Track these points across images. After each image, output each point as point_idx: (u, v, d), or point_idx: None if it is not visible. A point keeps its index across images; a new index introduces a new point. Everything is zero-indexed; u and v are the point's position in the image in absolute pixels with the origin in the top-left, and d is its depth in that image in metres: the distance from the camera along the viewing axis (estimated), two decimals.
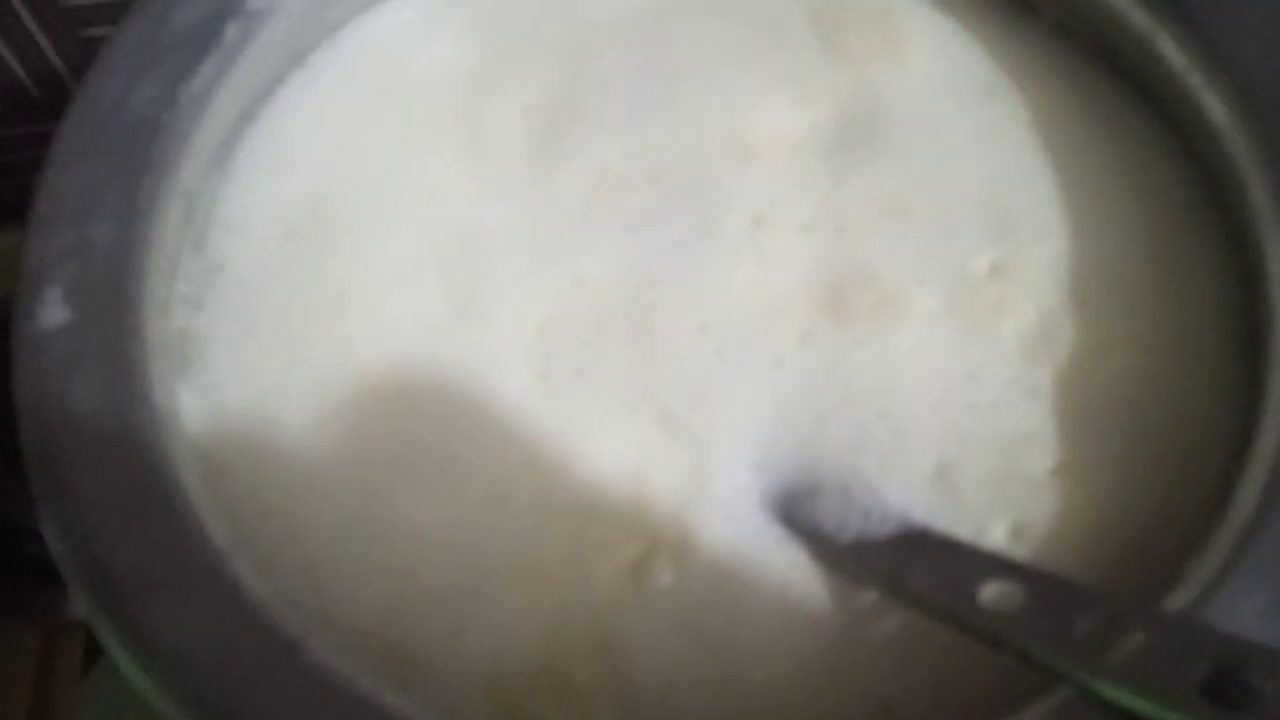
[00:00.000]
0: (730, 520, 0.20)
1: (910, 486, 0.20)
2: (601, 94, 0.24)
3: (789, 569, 0.19)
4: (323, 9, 0.25)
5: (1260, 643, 0.16)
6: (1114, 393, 0.21)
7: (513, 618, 0.19)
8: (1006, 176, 0.23)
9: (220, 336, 0.22)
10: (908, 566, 0.19)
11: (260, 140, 0.24)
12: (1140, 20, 0.23)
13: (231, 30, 0.23)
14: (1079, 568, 0.19)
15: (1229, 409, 0.20)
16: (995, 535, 0.20)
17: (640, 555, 0.20)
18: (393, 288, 0.22)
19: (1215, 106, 0.22)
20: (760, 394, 0.21)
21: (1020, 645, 0.17)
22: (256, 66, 0.24)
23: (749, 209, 0.23)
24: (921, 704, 0.18)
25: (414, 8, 0.26)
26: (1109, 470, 0.20)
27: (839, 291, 0.22)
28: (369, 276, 0.22)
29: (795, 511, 0.20)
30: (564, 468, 0.20)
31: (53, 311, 0.20)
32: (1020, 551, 0.19)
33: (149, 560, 0.18)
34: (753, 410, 0.21)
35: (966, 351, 0.21)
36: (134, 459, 0.18)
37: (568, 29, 0.25)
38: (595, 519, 0.20)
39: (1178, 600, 0.17)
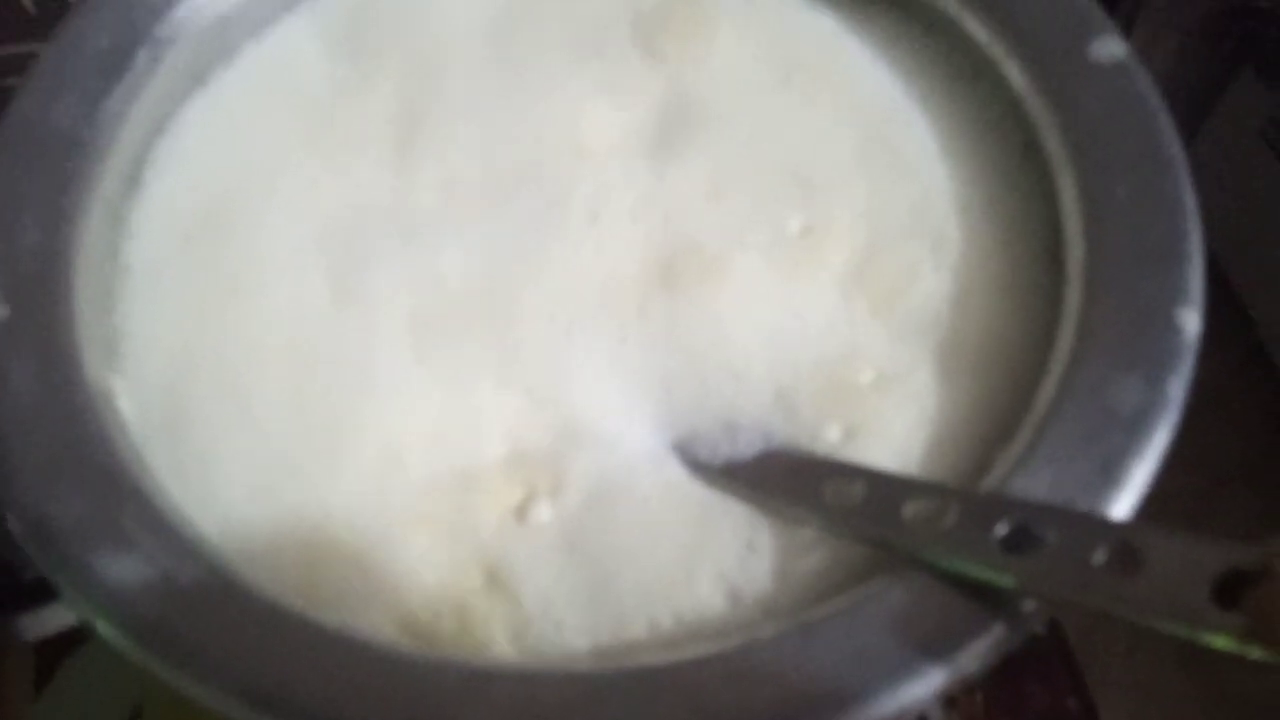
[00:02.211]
0: (595, 466, 0.22)
1: (757, 414, 0.23)
2: (451, 103, 0.27)
3: (648, 496, 0.22)
4: (222, 33, 0.28)
5: (1045, 503, 0.19)
6: (922, 311, 0.24)
7: (414, 562, 0.21)
8: (809, 148, 0.26)
9: (134, 332, 0.24)
10: (767, 477, 0.22)
11: (164, 153, 0.26)
12: (950, 5, 0.27)
13: (141, 55, 0.26)
14: (904, 457, 0.22)
15: (1031, 317, 0.23)
16: (830, 438, 0.23)
17: (522, 500, 0.22)
18: (278, 279, 0.24)
19: (1014, 73, 0.26)
20: (611, 365, 0.23)
21: (858, 530, 0.20)
22: (163, 86, 0.26)
23: (584, 203, 0.25)
24: (767, 586, 0.21)
25: (296, 30, 0.28)
26: (922, 375, 0.23)
27: (668, 266, 0.25)
28: (257, 270, 0.25)
29: (679, 448, 0.23)
30: (447, 432, 0.23)
31: None
32: (853, 449, 0.22)
33: (92, 512, 0.20)
34: (607, 379, 0.23)
35: (789, 297, 0.24)
36: (71, 430, 0.21)
37: (423, 42, 0.28)
38: (479, 473, 0.22)
39: (991, 480, 0.20)
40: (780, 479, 0.22)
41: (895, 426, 0.23)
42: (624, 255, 0.25)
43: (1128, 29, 0.51)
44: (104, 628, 0.19)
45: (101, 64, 0.25)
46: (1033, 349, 0.23)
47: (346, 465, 0.22)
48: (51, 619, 0.40)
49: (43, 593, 0.42)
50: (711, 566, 0.21)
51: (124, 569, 0.19)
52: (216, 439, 0.23)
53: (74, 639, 0.40)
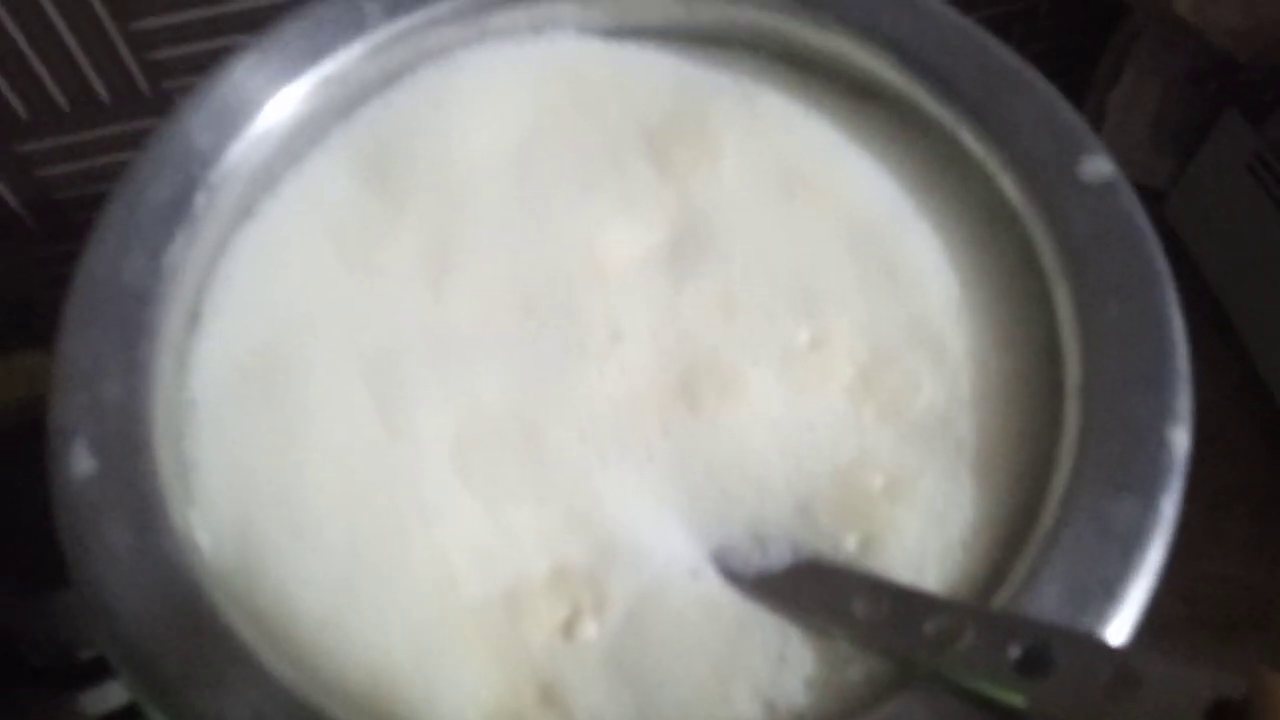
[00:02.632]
0: (635, 583, 0.24)
1: (782, 525, 0.25)
2: (479, 229, 0.29)
3: (684, 610, 0.24)
4: (269, 166, 0.30)
5: (1057, 625, 0.21)
6: (926, 417, 0.26)
7: (471, 680, 0.23)
8: (813, 261, 0.28)
9: (203, 465, 0.26)
10: (798, 590, 0.24)
11: (218, 290, 0.28)
12: (945, 116, 0.29)
13: (199, 200, 0.28)
14: (918, 564, 0.24)
15: (1031, 419, 0.25)
16: (849, 547, 0.24)
17: (568, 617, 0.24)
18: (331, 414, 0.26)
19: (1009, 186, 0.28)
20: (641, 482, 0.25)
21: (884, 645, 0.22)
22: (217, 226, 0.28)
23: (607, 324, 0.27)
24: (799, 699, 0.23)
25: (331, 159, 0.30)
26: (929, 480, 0.25)
27: (689, 384, 0.26)
28: (310, 407, 0.26)
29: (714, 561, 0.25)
30: (494, 552, 0.25)
31: (81, 463, 0.24)
32: (870, 558, 0.24)
33: (189, 658, 0.22)
34: (637, 496, 0.25)
35: (801, 408, 0.26)
36: (165, 579, 0.23)
37: (449, 170, 0.30)
38: (526, 592, 0.24)
39: (1002, 597, 0.22)
40: (812, 593, 0.24)
41: (908, 535, 0.25)
42: (646, 374, 0.27)
43: (1117, 75, 0.52)
44: None
45: (162, 215, 0.27)
46: (1034, 451, 0.25)
47: (404, 591, 0.24)
48: (112, 696, 0.42)
49: (102, 671, 0.44)
50: (747, 681, 0.23)
51: (222, 710, 0.21)
52: (286, 574, 0.24)
53: (132, 714, 0.42)
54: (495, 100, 0.31)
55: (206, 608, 0.23)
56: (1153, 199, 0.59)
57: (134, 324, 0.26)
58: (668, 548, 0.25)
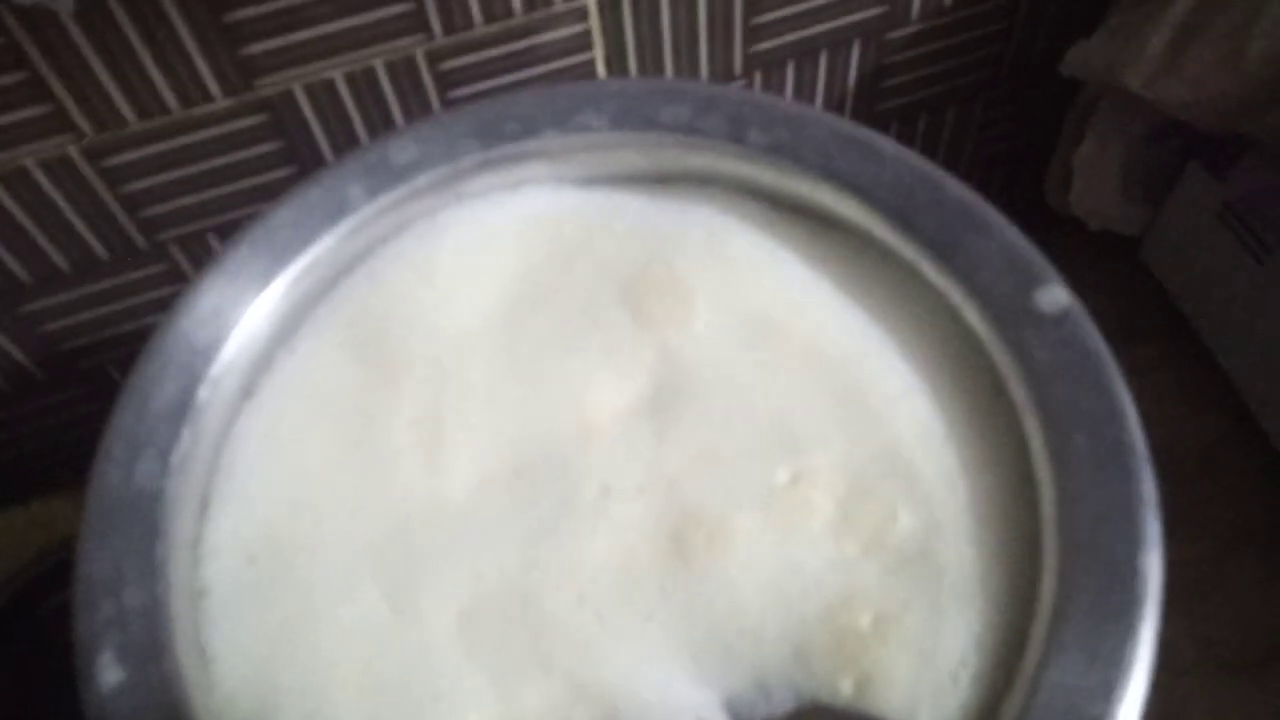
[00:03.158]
0: None
1: (781, 672, 0.26)
2: (470, 398, 0.30)
3: None
4: (265, 351, 0.31)
5: None
6: (906, 548, 0.27)
7: None
8: (786, 402, 0.29)
9: (219, 658, 0.27)
10: None
11: (223, 478, 0.29)
12: (906, 251, 0.30)
13: (202, 393, 0.29)
14: (912, 703, 0.25)
15: (1008, 542, 0.26)
16: (845, 690, 0.25)
17: None
18: (340, 601, 0.27)
19: (972, 318, 0.29)
20: (642, 643, 0.26)
21: None
22: (220, 416, 0.30)
23: (596, 481, 0.28)
24: None
25: (322, 336, 0.31)
26: (915, 614, 0.26)
27: (679, 537, 0.27)
28: (320, 590, 0.27)
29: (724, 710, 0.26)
30: None
31: (109, 674, 0.25)
32: (867, 699, 0.25)
33: None
34: (640, 657, 0.26)
35: (787, 550, 0.27)
36: None
37: (436, 339, 0.31)
38: None
39: None
40: None
41: (899, 673, 0.25)
42: (637, 529, 0.28)
43: (1080, 138, 0.54)
44: None
45: (168, 415, 0.28)
46: (1015, 577, 0.26)
47: None
48: None
49: None
50: None
51: None
52: None
53: None
54: (475, 266, 0.32)
55: None
56: (1128, 243, 0.60)
57: (149, 526, 0.27)
58: (673, 702, 0.26)
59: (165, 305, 0.30)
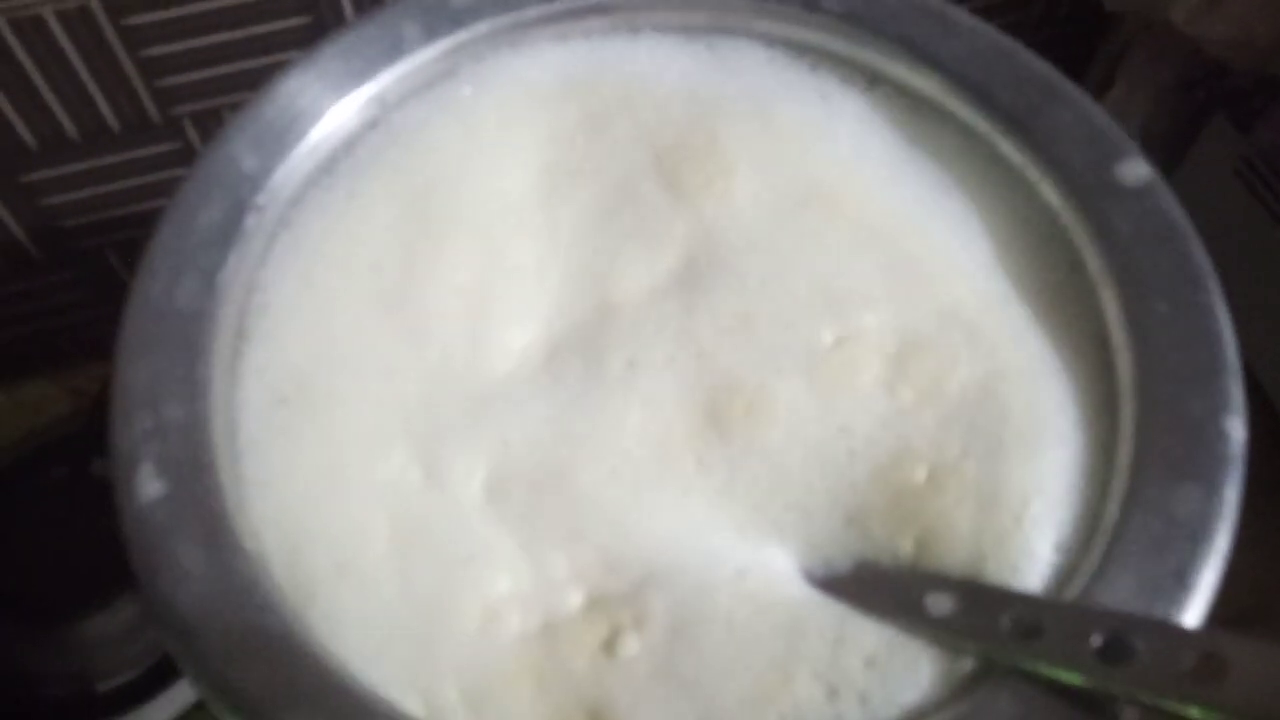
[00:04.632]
0: (676, 593, 0.24)
1: (836, 543, 0.25)
2: (515, 275, 0.28)
3: (732, 611, 0.24)
4: (312, 187, 0.30)
5: (1135, 614, 0.22)
6: (965, 395, 0.26)
7: (523, 709, 0.23)
8: (832, 269, 0.28)
9: (251, 493, 0.25)
10: (867, 591, 0.24)
11: (258, 311, 0.28)
12: (983, 127, 0.30)
13: (249, 221, 0.28)
14: (976, 558, 0.24)
15: (1087, 397, 0.26)
16: (907, 551, 0.25)
17: (607, 637, 0.24)
18: (370, 456, 0.26)
19: (1049, 193, 0.28)
20: (680, 519, 0.25)
21: (961, 642, 0.23)
22: (263, 244, 0.28)
23: (622, 356, 0.27)
24: (861, 679, 0.23)
25: (368, 184, 0.30)
26: (973, 463, 0.25)
27: (713, 408, 0.26)
28: (351, 445, 0.26)
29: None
30: (532, 592, 0.25)
31: (149, 486, 0.24)
32: (930, 558, 0.24)
33: (272, 678, 0.22)
34: (677, 533, 0.25)
35: (834, 412, 0.26)
36: (240, 599, 0.23)
37: (479, 210, 0.29)
38: (564, 622, 0.24)
39: (1073, 587, 0.23)
40: (882, 593, 0.24)
41: (960, 524, 0.25)
42: (669, 403, 0.26)
43: (1108, 84, 0.54)
44: None
45: (214, 237, 0.27)
46: (1088, 427, 0.25)
47: (450, 631, 0.24)
48: None
49: (118, 703, 0.43)
50: (806, 667, 0.23)
51: None
52: (334, 609, 0.24)
53: None
54: (519, 128, 0.31)
55: (282, 627, 0.22)
56: None
57: (191, 345, 0.26)
58: (712, 555, 0.25)
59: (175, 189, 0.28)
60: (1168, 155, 0.59)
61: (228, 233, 0.27)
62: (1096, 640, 0.21)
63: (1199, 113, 0.55)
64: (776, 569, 0.25)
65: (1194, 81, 0.52)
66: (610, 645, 0.24)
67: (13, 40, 0.41)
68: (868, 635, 0.23)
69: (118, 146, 0.47)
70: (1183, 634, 0.21)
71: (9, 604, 0.43)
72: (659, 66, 0.31)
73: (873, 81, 0.31)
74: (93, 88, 0.44)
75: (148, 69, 0.44)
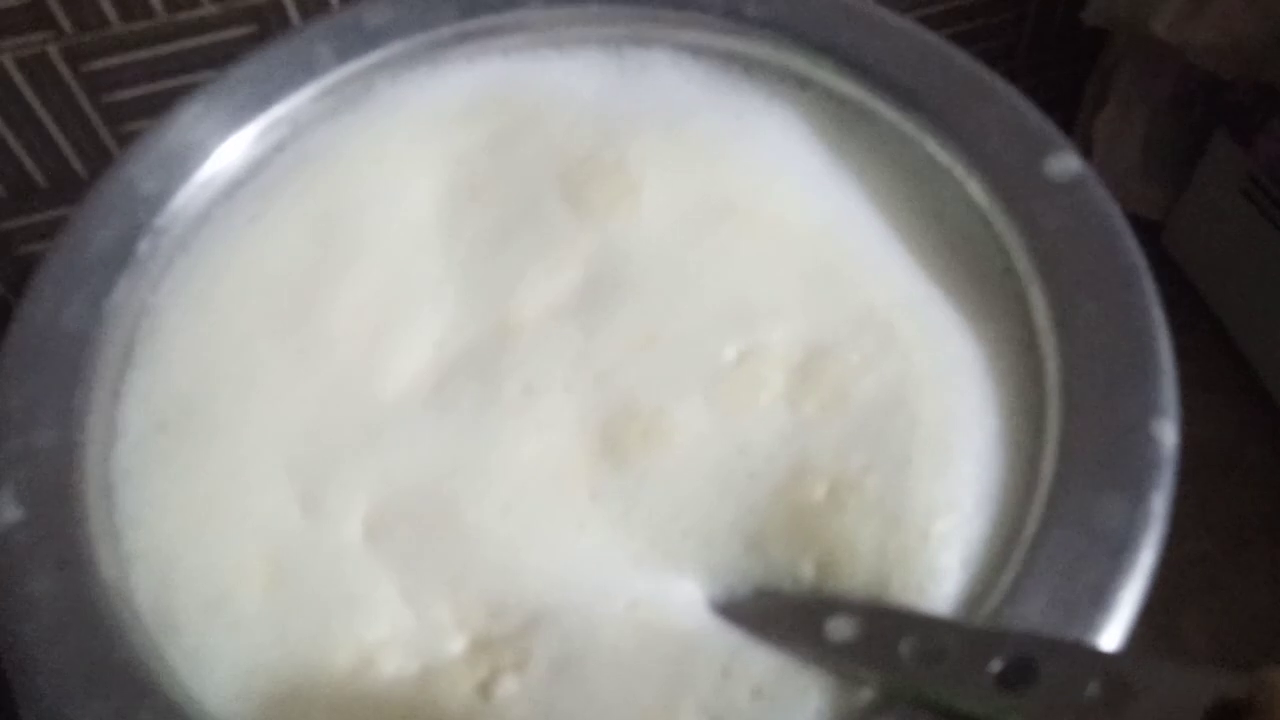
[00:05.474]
0: (562, 630, 0.22)
1: (735, 570, 0.23)
2: (413, 296, 0.27)
3: (617, 643, 0.22)
4: (212, 211, 0.29)
5: (1042, 636, 0.20)
6: (879, 398, 0.24)
7: None
8: (743, 282, 0.26)
9: (126, 520, 0.24)
10: (769, 618, 0.22)
11: (146, 335, 0.27)
12: (909, 126, 0.28)
13: (143, 246, 0.27)
14: (879, 578, 0.22)
15: (1008, 405, 0.24)
16: (808, 575, 0.23)
17: (485, 678, 0.22)
18: (252, 487, 0.25)
19: (976, 190, 0.27)
20: (573, 552, 0.23)
21: (860, 669, 0.21)
22: (156, 270, 0.28)
23: (518, 381, 0.25)
24: (749, 715, 0.21)
25: (265, 200, 0.29)
26: (878, 473, 0.23)
27: (610, 434, 0.25)
28: (229, 477, 0.25)
29: None
30: (412, 633, 0.23)
31: (6, 513, 0.23)
32: (831, 579, 0.22)
33: (109, 714, 0.20)
34: (571, 566, 0.23)
35: (733, 432, 0.24)
36: (89, 632, 0.21)
37: (385, 231, 0.28)
38: (443, 665, 0.23)
39: (985, 607, 0.21)
40: (783, 619, 0.22)
41: (863, 546, 0.23)
42: (564, 431, 0.25)
43: (1099, 106, 0.52)
44: None
45: (105, 261, 0.26)
46: (1005, 437, 0.23)
47: (322, 674, 0.23)
48: None
49: None
50: (693, 699, 0.21)
51: None
52: (201, 649, 0.23)
53: None
54: (426, 147, 0.30)
55: (134, 664, 0.21)
56: (1149, 229, 0.58)
57: (70, 370, 0.25)
58: (603, 589, 0.23)
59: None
60: (1171, 177, 0.56)
61: (120, 256, 0.27)
62: (997, 664, 0.19)
63: (1199, 129, 0.53)
64: (671, 599, 0.23)
65: (1190, 97, 0.50)
66: (487, 687, 0.22)
67: None
68: (757, 665, 0.21)
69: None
70: (1087, 656, 0.19)
71: None
72: (574, 83, 0.30)
73: (803, 85, 0.30)
74: (58, 136, 0.45)
75: (109, 114, 0.45)
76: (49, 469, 0.23)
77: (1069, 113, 0.56)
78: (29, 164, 0.46)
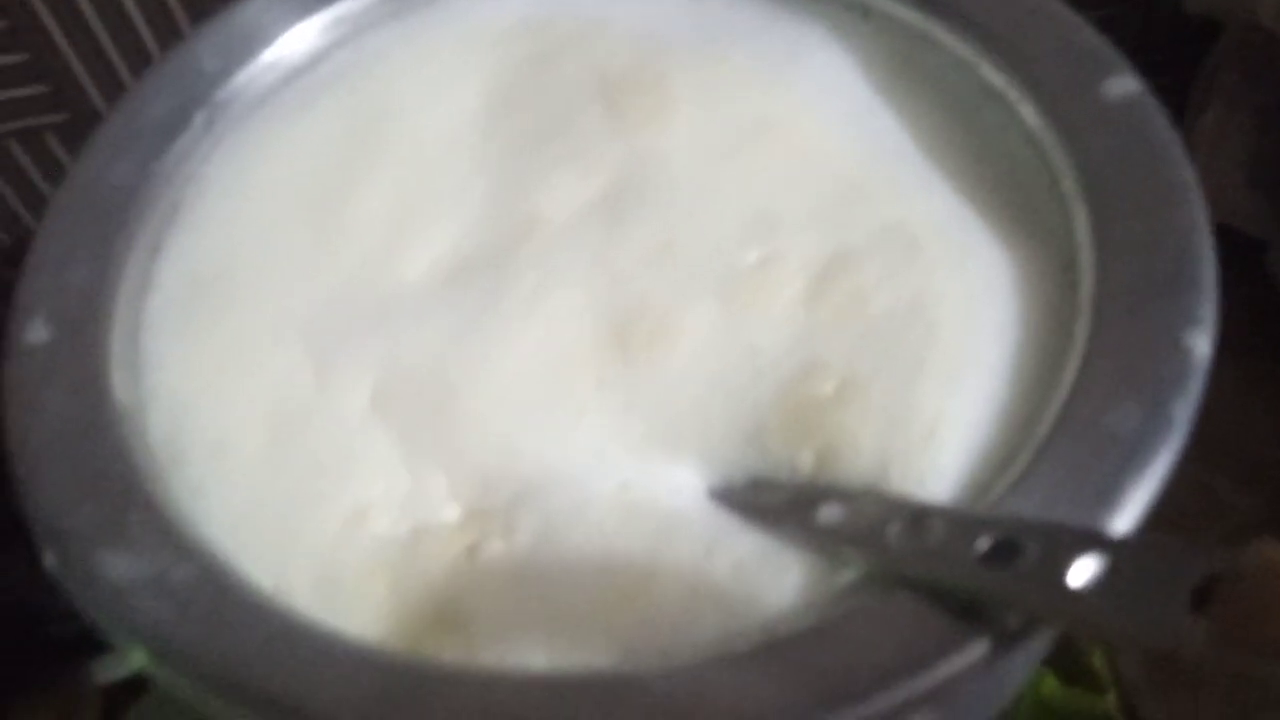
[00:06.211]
0: (552, 503, 0.22)
1: (733, 460, 0.23)
2: (439, 193, 0.27)
3: (603, 520, 0.22)
4: (269, 96, 0.30)
5: (1026, 518, 0.19)
6: (896, 308, 0.23)
7: (373, 603, 0.22)
8: (771, 195, 0.26)
9: (143, 361, 0.25)
10: (761, 504, 0.22)
11: (192, 200, 0.28)
12: (964, 50, 0.27)
13: (199, 118, 0.28)
14: (879, 473, 0.21)
15: (1034, 324, 0.23)
16: (806, 465, 0.22)
17: (472, 543, 0.22)
18: (267, 348, 0.25)
19: (1029, 114, 0.26)
20: (570, 441, 0.23)
21: (843, 550, 0.20)
22: (209, 143, 0.28)
23: (535, 274, 0.25)
24: (726, 588, 0.20)
25: (320, 101, 0.29)
26: (887, 378, 0.22)
27: (619, 330, 0.24)
28: (249, 336, 0.25)
29: None
30: (407, 497, 0.23)
31: (36, 332, 0.24)
32: (830, 473, 0.22)
33: (100, 517, 0.21)
34: (567, 454, 0.23)
35: (744, 333, 0.24)
36: (93, 444, 0.22)
37: (419, 133, 0.29)
38: (433, 528, 0.23)
39: (985, 503, 0.20)
40: (775, 504, 0.21)
41: (864, 442, 0.22)
42: (574, 327, 0.25)
43: (1202, 112, 0.50)
44: (97, 618, 0.20)
45: (159, 127, 0.28)
46: (1025, 354, 0.22)
47: (315, 519, 0.23)
48: (120, 665, 0.41)
49: None
50: (671, 571, 0.21)
51: (120, 567, 0.20)
52: (202, 481, 0.23)
53: (141, 685, 0.41)
54: (468, 62, 0.30)
55: (131, 476, 0.22)
56: (1252, 247, 0.55)
57: (114, 220, 0.26)
58: (597, 470, 0.23)
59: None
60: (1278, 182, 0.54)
61: (176, 125, 0.28)
62: (983, 544, 0.18)
63: None
64: (663, 483, 0.23)
65: None
66: (473, 550, 0.22)
67: None
68: (740, 543, 0.21)
69: None
70: (1073, 536, 0.18)
71: (10, 541, 0.44)
72: (623, 10, 0.31)
73: (866, 15, 0.30)
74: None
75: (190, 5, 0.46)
76: (83, 303, 0.24)
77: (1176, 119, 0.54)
78: (28, 219, 0.48)
